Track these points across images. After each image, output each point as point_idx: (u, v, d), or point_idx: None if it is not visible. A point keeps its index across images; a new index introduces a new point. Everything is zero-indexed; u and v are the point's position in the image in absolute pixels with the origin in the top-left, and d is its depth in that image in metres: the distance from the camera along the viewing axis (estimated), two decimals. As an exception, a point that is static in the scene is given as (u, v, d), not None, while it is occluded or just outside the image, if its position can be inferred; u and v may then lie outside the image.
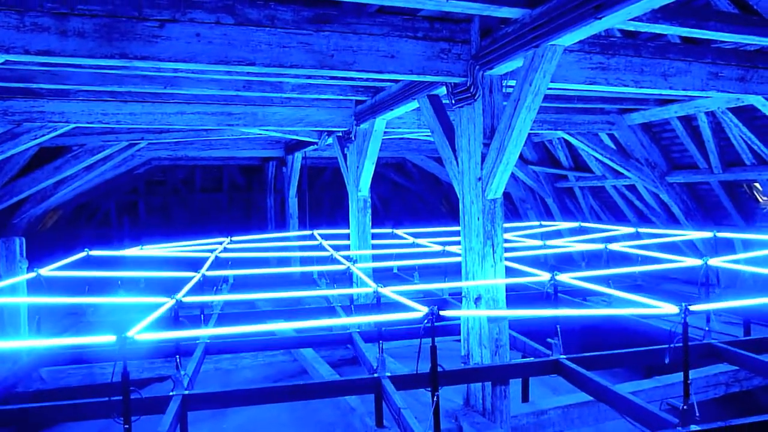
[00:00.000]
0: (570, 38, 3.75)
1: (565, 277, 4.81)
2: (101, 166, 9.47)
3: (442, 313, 3.48)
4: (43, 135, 6.73)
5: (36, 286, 5.28)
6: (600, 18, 3.35)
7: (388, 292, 4.41)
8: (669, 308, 3.71)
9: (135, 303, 5.02)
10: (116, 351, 3.16)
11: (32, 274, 5.00)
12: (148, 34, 3.70)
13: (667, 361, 3.64)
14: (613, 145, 9.71)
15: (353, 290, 6.35)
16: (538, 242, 7.76)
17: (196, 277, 5.10)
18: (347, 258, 6.73)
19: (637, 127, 8.98)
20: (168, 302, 4.01)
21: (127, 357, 3.12)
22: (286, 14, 4.02)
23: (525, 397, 5.12)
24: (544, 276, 4.84)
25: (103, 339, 3.19)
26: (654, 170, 9.14)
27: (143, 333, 3.24)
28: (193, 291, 4.90)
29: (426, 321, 3.40)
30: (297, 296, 8.22)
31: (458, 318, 4.75)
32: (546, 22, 3.72)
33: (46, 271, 5.08)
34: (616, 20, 3.45)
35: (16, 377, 4.85)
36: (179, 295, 4.17)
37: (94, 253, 5.96)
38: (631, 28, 4.21)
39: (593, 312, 4.61)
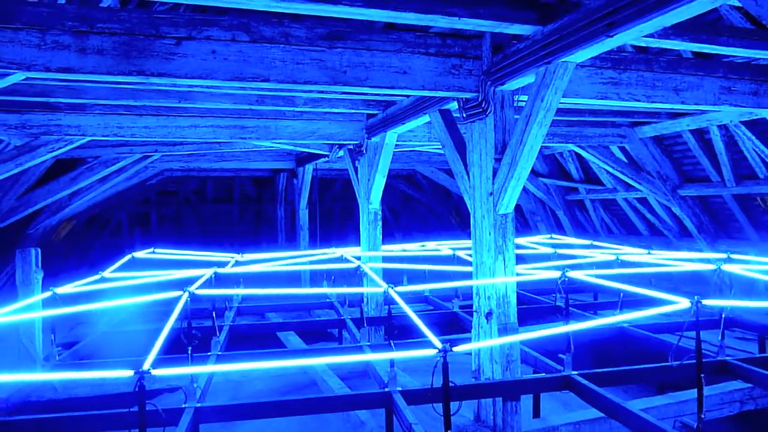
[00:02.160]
0: (582, 55, 3.77)
1: (577, 274, 4.80)
2: (115, 178, 9.58)
3: (455, 349, 3.51)
4: (60, 148, 6.84)
5: (52, 301, 5.34)
6: (612, 36, 3.38)
7: (398, 298, 4.41)
8: (681, 302, 3.69)
9: (143, 302, 5.04)
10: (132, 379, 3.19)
11: (48, 294, 5.08)
12: (165, 51, 3.77)
13: (669, 359, 3.59)
14: (624, 158, 9.69)
15: (363, 289, 6.35)
16: (548, 250, 7.75)
17: (208, 273, 5.15)
18: (357, 258, 6.75)
19: (649, 140, 8.96)
20: (183, 295, 4.07)
21: (142, 400, 3.16)
22: (300, 31, 4.08)
23: (536, 413, 5.10)
24: (554, 273, 4.82)
25: (120, 374, 3.23)
26: (666, 183, 9.11)
27: (160, 369, 3.27)
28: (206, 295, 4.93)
29: (439, 357, 3.43)
30: (305, 293, 8.24)
31: (470, 328, 4.74)
32: (558, 39, 3.75)
33: (62, 290, 5.15)
34: (628, 38, 3.47)
35: (31, 386, 4.90)
36: (193, 288, 4.23)
37: (108, 274, 6.03)
38: (643, 44, 4.23)
39: (604, 321, 4.57)
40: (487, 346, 4.55)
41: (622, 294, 6.49)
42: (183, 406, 3.87)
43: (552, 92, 3.97)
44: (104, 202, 12.72)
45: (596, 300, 8.59)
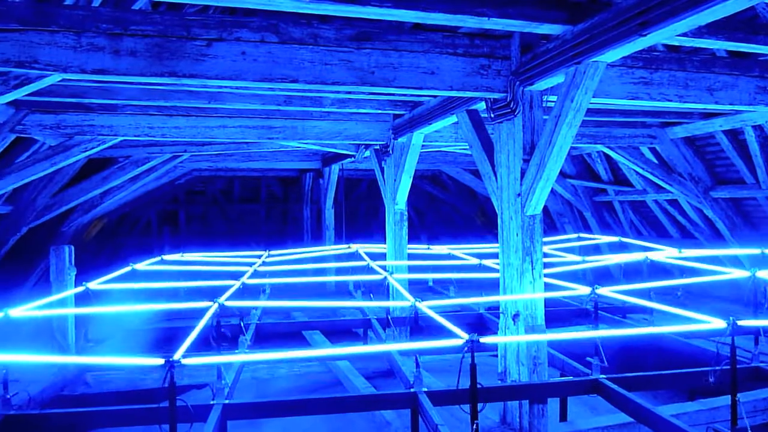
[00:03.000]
0: (613, 55, 3.72)
1: (605, 291, 4.72)
2: (145, 177, 9.75)
3: (482, 340, 3.48)
4: (93, 147, 6.99)
5: (84, 296, 5.47)
6: (645, 35, 3.32)
7: (426, 308, 4.41)
8: (715, 323, 3.60)
9: (175, 309, 5.14)
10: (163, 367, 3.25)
11: (81, 288, 5.19)
12: (197, 52, 3.83)
13: (712, 380, 3.53)
14: (654, 159, 9.52)
15: (390, 303, 6.36)
16: (576, 257, 7.65)
17: (237, 284, 5.22)
18: (383, 268, 6.76)
19: (680, 140, 8.79)
20: (213, 306, 4.14)
21: (172, 388, 3.21)
22: (329, 32, 4.11)
23: (563, 417, 5.04)
24: (583, 290, 4.77)
25: (152, 361, 3.29)
26: (698, 185, 8.92)
27: (189, 357, 3.32)
28: (234, 298, 5.00)
29: (466, 348, 3.41)
30: (333, 306, 8.27)
31: (497, 329, 4.71)
32: (588, 39, 3.70)
33: (94, 284, 5.26)
34: (661, 37, 3.41)
35: (64, 381, 5.03)
36: (222, 299, 4.29)
37: (139, 266, 6.16)
38: (675, 43, 4.15)
39: (634, 331, 4.50)
40: (513, 348, 4.52)
41: (652, 292, 6.36)
42: (211, 402, 3.92)
43: (582, 92, 3.92)
44: (134, 201, 12.96)
45: (625, 303, 8.44)
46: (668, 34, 3.36)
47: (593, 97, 4.15)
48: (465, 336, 3.47)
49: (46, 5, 3.79)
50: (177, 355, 3.22)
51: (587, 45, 3.71)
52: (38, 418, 3.95)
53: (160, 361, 3.19)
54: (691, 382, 4.80)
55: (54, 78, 3.82)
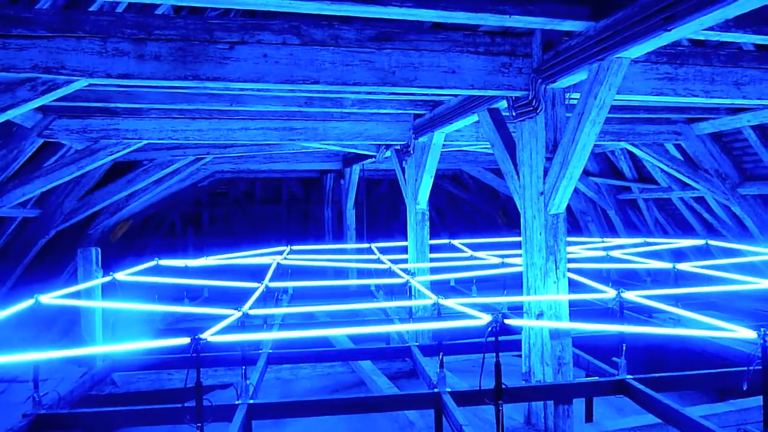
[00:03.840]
0: (637, 50, 3.67)
1: (631, 295, 4.66)
2: (169, 180, 9.88)
3: (506, 321, 3.44)
4: (118, 151, 7.11)
5: (110, 293, 5.57)
6: (670, 30, 3.27)
7: (451, 303, 4.40)
8: (745, 332, 3.51)
9: (202, 312, 5.23)
10: (187, 358, 3.29)
11: (108, 278, 5.29)
12: (219, 56, 3.87)
13: (745, 387, 3.46)
14: (680, 156, 9.36)
15: (412, 302, 6.35)
16: (601, 253, 7.55)
17: (260, 288, 5.26)
18: (405, 271, 6.75)
19: (706, 136, 8.62)
20: (235, 314, 4.17)
21: (198, 365, 3.24)
22: (350, 33, 4.12)
23: (589, 418, 4.98)
24: (609, 293, 4.71)
25: (178, 341, 3.34)
26: (725, 182, 8.74)
27: (214, 336, 3.38)
28: (257, 302, 5.05)
29: (490, 329, 3.37)
30: (355, 308, 8.27)
31: (521, 330, 4.67)
32: (611, 35, 3.65)
33: (121, 275, 5.36)
34: (686, 32, 3.35)
35: (93, 380, 5.12)
36: (245, 308, 4.33)
37: (163, 262, 6.25)
38: (701, 37, 4.08)
39: (661, 331, 4.43)
40: (538, 347, 4.48)
41: (679, 303, 6.25)
42: (236, 402, 3.96)
43: (605, 89, 3.87)
44: (159, 203, 13.14)
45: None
46: (694, 29, 3.29)
47: (617, 93, 4.10)
48: (487, 317, 3.44)
49: (72, 12, 3.87)
50: (204, 335, 3.27)
51: (611, 41, 3.66)
52: (69, 417, 4.03)
53: (186, 340, 3.23)
54: (720, 383, 4.71)
55: (81, 83, 3.89)
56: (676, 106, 7.50)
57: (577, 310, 7.12)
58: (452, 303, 4.39)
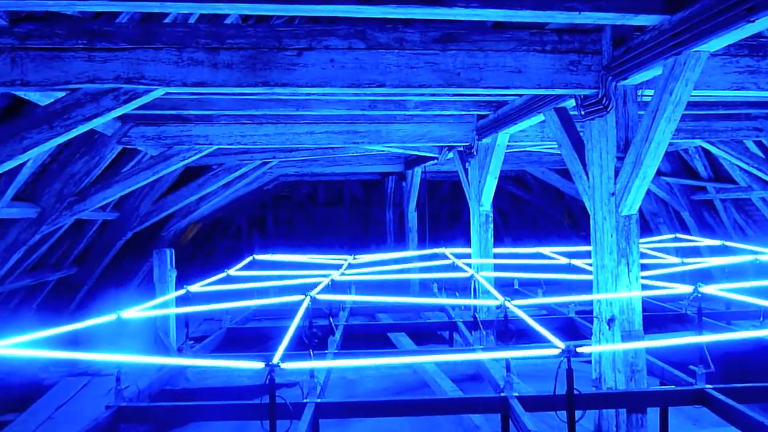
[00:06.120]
0: (716, 44, 3.50)
1: (710, 289, 4.42)
2: (237, 183, 10.21)
3: (579, 350, 3.37)
4: (190, 156, 7.40)
5: (183, 297, 5.81)
6: (753, 21, 3.10)
7: (517, 309, 4.33)
8: None
9: (269, 304, 5.33)
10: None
11: (182, 291, 5.53)
12: (287, 62, 3.97)
13: None
14: (761, 153, 8.85)
15: (477, 301, 6.28)
16: (674, 259, 7.24)
17: (326, 281, 5.36)
18: (469, 266, 6.68)
19: (791, 133, 8.13)
20: (305, 300, 4.30)
21: (272, 390, 3.37)
22: (414, 36, 4.13)
23: (663, 428, 4.77)
24: (685, 288, 4.49)
25: (252, 365, 3.47)
26: (812, 181, 8.21)
27: (287, 362, 3.48)
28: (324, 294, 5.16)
29: (563, 358, 3.31)
30: (417, 303, 8.27)
31: (590, 334, 4.55)
32: (688, 28, 3.50)
33: (195, 287, 5.59)
34: (771, 22, 3.17)
35: (169, 375, 5.37)
36: (313, 293, 4.44)
37: (232, 272, 6.47)
38: (786, 28, 3.84)
39: (743, 335, 4.19)
40: (609, 353, 4.34)
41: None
42: (305, 401, 4.04)
43: (682, 85, 3.71)
44: (226, 206, 13.59)
45: (729, 309, 7.90)
46: (780, 19, 3.12)
47: (694, 89, 3.93)
48: (561, 345, 3.37)
49: (150, 24, 4.07)
50: (275, 359, 3.37)
51: (688, 34, 3.51)
52: (148, 410, 4.23)
53: (261, 365, 3.34)
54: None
55: (158, 92, 4.08)
56: (756, 101, 7.10)
57: (650, 316, 6.84)
58: (518, 310, 4.31)
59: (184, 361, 5.32)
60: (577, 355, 3.40)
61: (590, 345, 4.61)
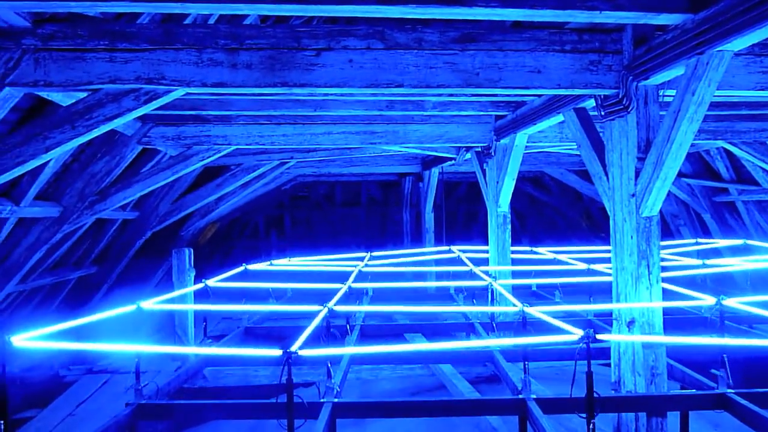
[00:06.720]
0: (740, 43, 3.44)
1: (732, 303, 4.35)
2: (255, 184, 10.26)
3: (598, 336, 3.32)
4: (209, 156, 7.46)
5: (201, 295, 5.86)
6: (779, 19, 3.05)
7: (536, 312, 4.29)
8: None
9: (287, 311, 5.39)
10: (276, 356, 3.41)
11: (200, 285, 5.57)
12: (306, 62, 3.98)
13: None
14: (785, 155, 8.69)
15: (495, 308, 6.25)
16: (696, 261, 7.12)
17: (343, 289, 5.37)
18: (486, 274, 6.65)
19: (816, 134, 7.96)
20: (323, 310, 4.31)
21: (289, 377, 3.36)
22: (433, 36, 4.12)
23: (684, 433, 4.70)
24: (708, 300, 4.43)
25: (270, 352, 3.46)
26: (838, 182, 8.04)
27: (304, 349, 3.47)
28: (340, 301, 5.17)
29: (582, 344, 3.26)
30: (435, 311, 8.24)
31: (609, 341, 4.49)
32: (712, 27, 3.45)
33: (213, 282, 5.63)
34: (798, 20, 3.11)
35: (187, 374, 5.41)
36: (330, 304, 4.45)
37: (251, 267, 6.51)
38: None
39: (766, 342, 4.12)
40: (629, 356, 4.28)
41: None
42: (322, 400, 4.05)
43: (705, 85, 3.66)
44: (244, 206, 13.68)
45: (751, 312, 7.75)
46: (807, 17, 3.06)
47: (717, 89, 3.87)
48: (579, 332, 3.32)
49: (171, 25, 4.11)
50: (294, 347, 3.37)
51: (711, 33, 3.46)
52: (167, 408, 4.27)
53: (278, 352, 3.34)
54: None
55: (179, 92, 4.11)
56: (781, 101, 6.97)
57: (671, 319, 6.75)
58: (538, 312, 4.28)
59: (202, 351, 5.37)
60: (597, 341, 3.33)
61: (608, 347, 4.56)
